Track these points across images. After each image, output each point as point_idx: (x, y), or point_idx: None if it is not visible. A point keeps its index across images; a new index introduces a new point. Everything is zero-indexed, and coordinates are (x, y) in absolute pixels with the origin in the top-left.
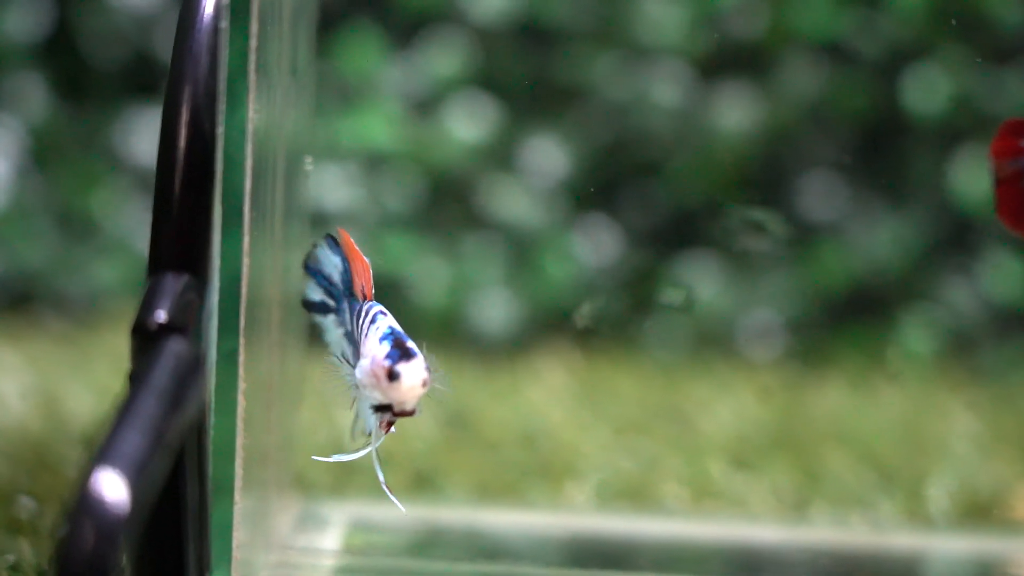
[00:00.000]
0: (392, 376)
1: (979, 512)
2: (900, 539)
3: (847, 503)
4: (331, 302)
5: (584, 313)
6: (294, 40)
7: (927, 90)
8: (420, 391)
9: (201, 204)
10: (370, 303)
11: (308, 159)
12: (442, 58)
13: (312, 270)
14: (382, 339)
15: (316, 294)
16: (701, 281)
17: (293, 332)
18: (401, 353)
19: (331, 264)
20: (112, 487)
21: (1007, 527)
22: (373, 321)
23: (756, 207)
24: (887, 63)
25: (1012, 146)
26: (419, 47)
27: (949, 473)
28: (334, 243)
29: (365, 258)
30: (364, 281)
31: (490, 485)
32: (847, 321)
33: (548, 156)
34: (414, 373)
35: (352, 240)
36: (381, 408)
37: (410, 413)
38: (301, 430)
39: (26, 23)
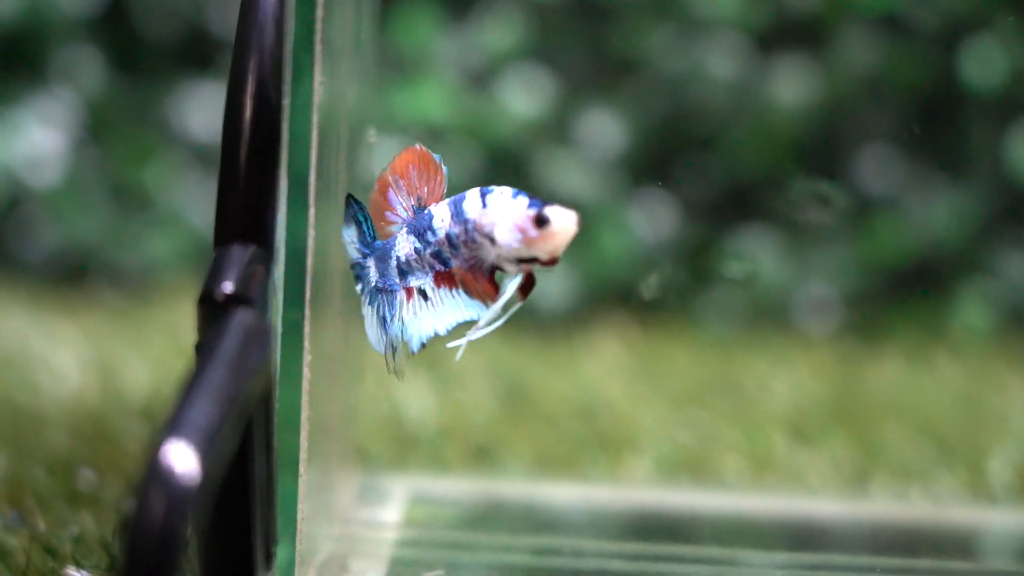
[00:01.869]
0: (541, 222)
1: None
2: (960, 513)
3: (907, 477)
4: (359, 282)
5: (651, 284)
6: (358, 13)
7: (985, 63)
8: (572, 235)
9: (267, 176)
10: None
11: (372, 132)
12: (498, 31)
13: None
14: (515, 195)
15: (359, 271)
16: (759, 255)
17: (356, 304)
18: (543, 201)
19: (349, 240)
20: (182, 458)
21: None
22: (464, 200)
23: (814, 180)
24: (945, 36)
25: None
26: (475, 20)
27: (1010, 447)
28: (348, 204)
29: (432, 163)
30: (427, 188)
31: (549, 458)
32: (905, 295)
33: (604, 130)
34: (565, 216)
35: (412, 157)
36: (525, 261)
37: (555, 262)
38: (363, 403)
39: None
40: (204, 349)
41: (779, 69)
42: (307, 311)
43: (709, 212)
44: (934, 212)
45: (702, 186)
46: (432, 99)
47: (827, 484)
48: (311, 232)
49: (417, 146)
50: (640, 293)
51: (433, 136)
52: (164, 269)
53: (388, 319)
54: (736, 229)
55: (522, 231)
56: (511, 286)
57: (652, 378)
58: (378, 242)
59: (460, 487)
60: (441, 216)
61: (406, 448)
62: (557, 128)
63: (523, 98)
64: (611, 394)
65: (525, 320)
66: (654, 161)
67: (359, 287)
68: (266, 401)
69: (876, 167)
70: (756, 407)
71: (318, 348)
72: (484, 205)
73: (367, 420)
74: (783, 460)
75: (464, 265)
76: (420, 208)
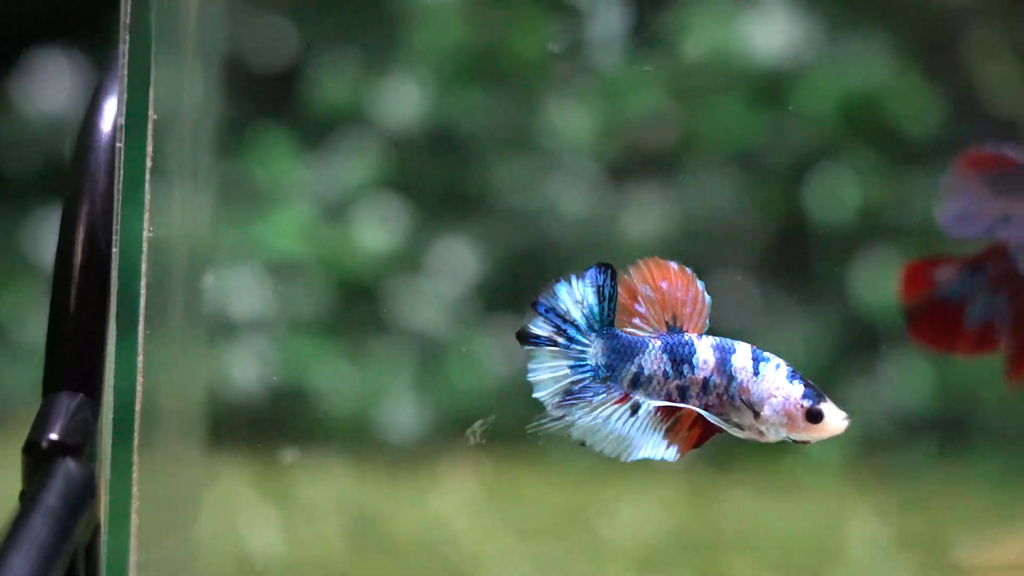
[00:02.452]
0: (814, 417)
1: None
2: None
3: None
4: (558, 337)
5: (476, 430)
6: (195, 148)
7: (833, 195)
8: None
9: (95, 324)
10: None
11: (208, 277)
12: (352, 162)
13: (542, 306)
14: (791, 378)
15: (542, 329)
16: None
17: (192, 443)
18: (817, 393)
19: (573, 298)
20: None
21: None
22: (734, 354)
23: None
24: (795, 169)
25: (923, 282)
26: (330, 150)
27: None
28: (599, 274)
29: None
30: (687, 311)
31: None
32: None
33: (457, 261)
34: (838, 417)
35: (672, 270)
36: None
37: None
38: (203, 541)
39: None
40: (27, 498)
41: (632, 202)
42: (135, 456)
43: None
44: (786, 342)
45: None
46: (285, 229)
47: None
48: (140, 378)
49: (673, 264)
50: (466, 439)
51: (286, 268)
52: (18, 403)
53: (580, 401)
54: None
55: (790, 418)
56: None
57: (501, 511)
58: (623, 334)
59: None
60: (705, 357)
61: None
62: (411, 259)
63: (377, 229)
64: (459, 528)
65: (374, 453)
66: (507, 293)
67: (562, 344)
68: (89, 549)
69: (726, 298)
70: (603, 541)
71: (149, 491)
72: (757, 372)
73: (210, 558)
74: None
75: (699, 406)
76: (675, 329)
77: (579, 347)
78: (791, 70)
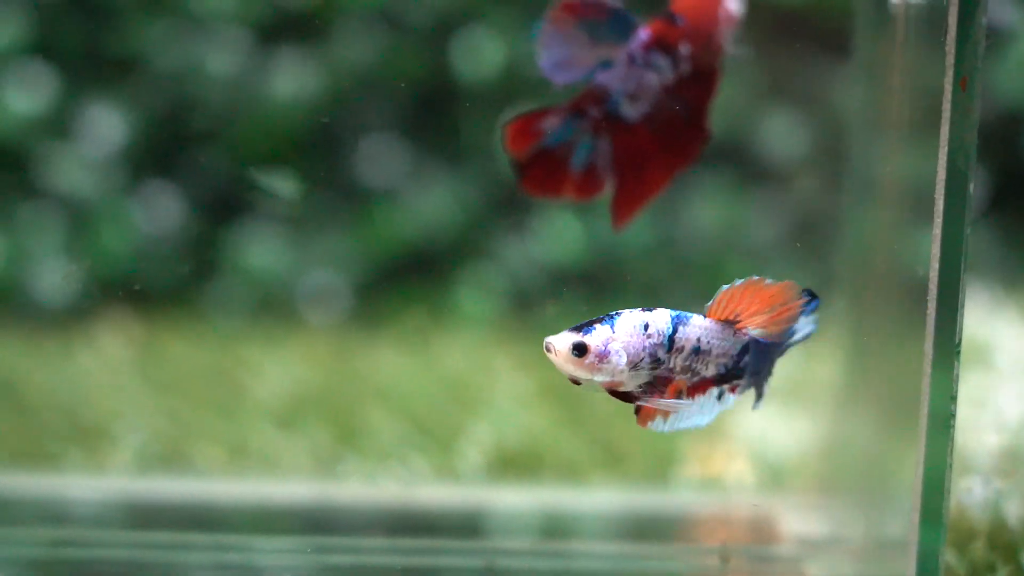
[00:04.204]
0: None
1: (512, 464)
2: (428, 492)
3: (381, 459)
4: None
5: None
6: None
7: (477, 54)
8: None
9: None
10: None
11: None
12: None
13: None
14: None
15: None
16: (261, 246)
17: None
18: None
19: None
20: None
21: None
22: None
23: (313, 172)
24: (439, 30)
25: (529, 135)
26: None
27: (483, 429)
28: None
29: None
30: None
31: (27, 452)
32: (406, 283)
33: (105, 125)
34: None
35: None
36: None
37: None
38: None
39: None
40: None
41: (278, 64)
42: None
43: (212, 205)
44: (434, 201)
45: (204, 180)
46: None
47: (301, 469)
48: None
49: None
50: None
51: None
52: None
53: None
54: (238, 222)
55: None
56: None
57: (145, 371)
58: None
59: None
60: None
61: None
62: (56, 124)
63: (23, 94)
64: (98, 386)
65: (23, 318)
66: (156, 156)
67: None
68: None
69: (375, 158)
70: (244, 397)
71: None
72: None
73: None
74: (260, 447)
75: None
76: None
77: None
78: None
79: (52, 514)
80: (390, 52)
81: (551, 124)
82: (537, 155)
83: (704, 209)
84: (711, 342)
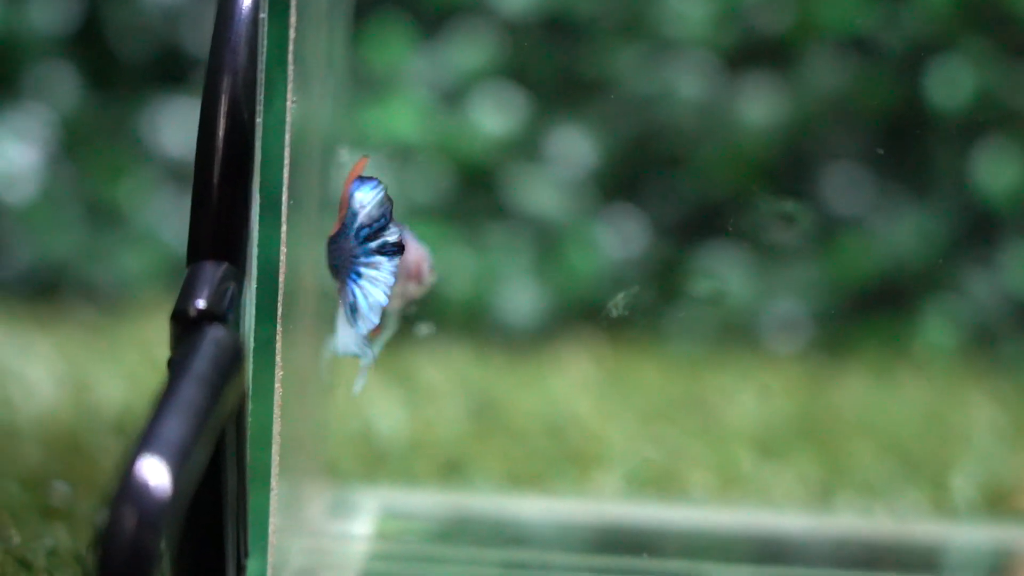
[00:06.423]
0: None
1: (1001, 502)
2: (923, 528)
3: (871, 493)
4: None
5: (618, 302)
6: (330, 32)
7: (951, 84)
8: None
9: (239, 194)
10: None
11: (344, 151)
12: (469, 50)
13: None
14: None
15: None
16: (726, 272)
17: (327, 321)
18: None
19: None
20: (154, 473)
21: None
22: None
23: (781, 199)
24: (911, 57)
25: None
26: (446, 39)
27: (972, 463)
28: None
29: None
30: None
31: (518, 473)
32: (870, 313)
33: (574, 147)
34: None
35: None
36: None
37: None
38: (333, 418)
39: (56, 15)
40: (177, 365)
41: (747, 89)
42: (279, 327)
43: (677, 230)
44: (900, 231)
45: (671, 204)
46: (403, 117)
47: (792, 499)
48: (283, 249)
49: None
50: (608, 311)
51: (404, 154)
52: (138, 285)
53: None
54: (704, 247)
55: None
56: None
57: (620, 394)
58: None
59: (430, 501)
60: None
61: (376, 462)
62: (528, 146)
63: (494, 116)
64: (579, 410)
65: (493, 337)
66: (623, 179)
67: None
68: (238, 416)
69: (842, 186)
70: (723, 423)
71: (289, 364)
72: None
73: (338, 435)
74: (749, 475)
75: None
76: None
77: None
78: None
79: (535, 536)
80: (862, 79)
81: None
82: None
83: None
84: None
